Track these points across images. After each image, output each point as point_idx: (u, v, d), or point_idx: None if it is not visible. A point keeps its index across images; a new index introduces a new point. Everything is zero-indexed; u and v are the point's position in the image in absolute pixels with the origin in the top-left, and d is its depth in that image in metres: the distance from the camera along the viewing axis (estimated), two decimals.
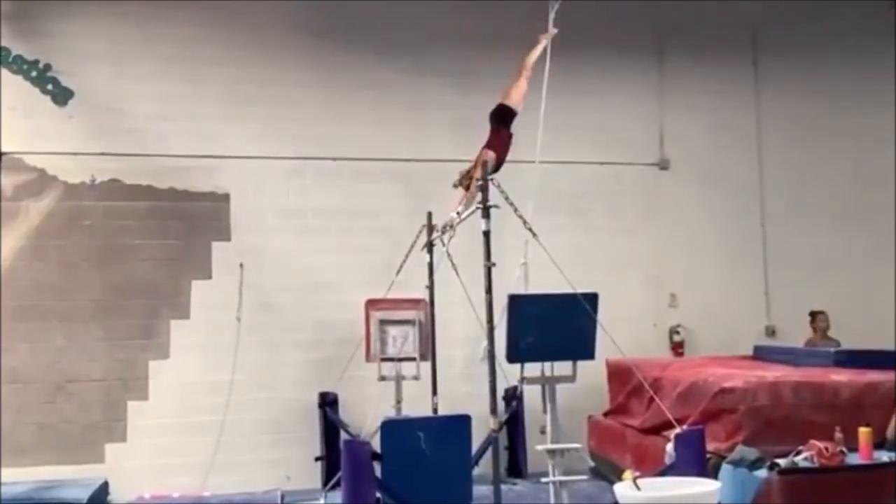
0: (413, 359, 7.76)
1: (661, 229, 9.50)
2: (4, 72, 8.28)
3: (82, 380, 8.15)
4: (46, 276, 8.21)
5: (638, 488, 3.80)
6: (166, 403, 8.24)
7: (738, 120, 9.78)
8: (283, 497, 7.76)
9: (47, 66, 8.38)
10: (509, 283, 6.06)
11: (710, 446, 5.65)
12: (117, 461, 8.03)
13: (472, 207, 5.90)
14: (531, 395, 7.38)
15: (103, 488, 7.66)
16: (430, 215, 7.78)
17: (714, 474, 5.34)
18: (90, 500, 7.20)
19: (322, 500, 7.51)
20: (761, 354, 8.16)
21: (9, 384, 8.01)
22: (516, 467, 8.19)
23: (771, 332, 9.53)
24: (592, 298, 5.55)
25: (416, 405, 7.58)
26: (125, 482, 7.80)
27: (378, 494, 4.84)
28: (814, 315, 9.07)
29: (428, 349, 7.81)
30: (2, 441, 7.82)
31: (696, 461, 4.64)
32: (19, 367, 8.06)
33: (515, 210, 5.83)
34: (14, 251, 8.21)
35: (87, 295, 8.27)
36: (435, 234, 7.63)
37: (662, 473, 4.45)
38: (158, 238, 8.44)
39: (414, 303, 7.82)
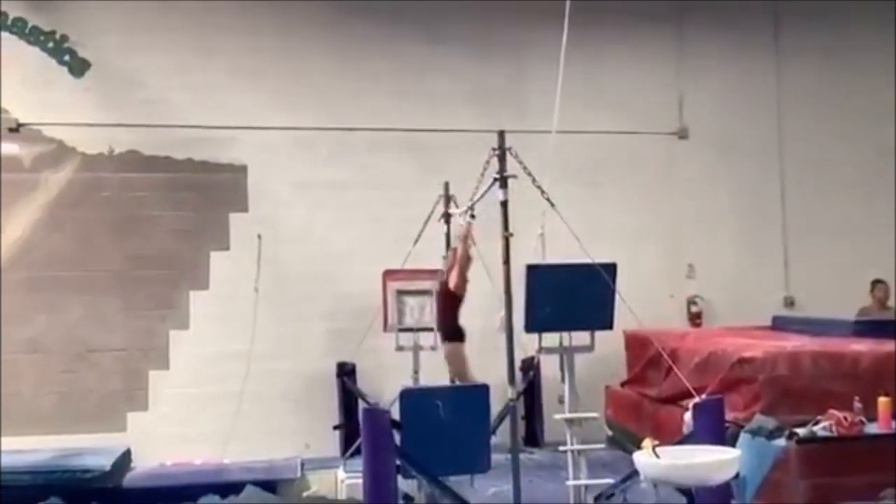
0: (430, 329, 7.78)
1: (679, 199, 9.44)
2: (21, 43, 8.29)
3: (103, 349, 8.26)
4: (65, 246, 8.29)
5: (657, 456, 3.81)
6: (187, 373, 8.34)
7: (758, 88, 9.65)
8: (302, 464, 7.83)
9: (63, 38, 8.39)
10: (525, 253, 6.04)
11: (729, 416, 5.63)
12: (139, 429, 8.16)
13: (489, 182, 5.86)
14: (547, 365, 7.42)
15: (126, 456, 7.76)
16: (446, 185, 7.76)
17: (732, 444, 5.34)
18: (113, 467, 7.30)
19: (341, 468, 7.60)
20: (780, 324, 8.13)
21: (29, 354, 8.14)
22: (533, 436, 8.24)
23: (790, 302, 9.49)
24: (611, 268, 5.53)
25: (433, 375, 7.61)
26: (147, 450, 7.89)
27: (397, 462, 4.88)
28: (874, 284, 8.94)
29: None
30: (25, 410, 7.97)
31: (714, 430, 4.63)
32: (39, 337, 8.18)
33: (534, 180, 5.78)
34: (33, 222, 8.28)
35: (107, 266, 8.34)
36: (452, 206, 7.62)
37: (681, 442, 4.45)
38: (177, 209, 8.49)
39: (431, 273, 7.82)
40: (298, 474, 7.70)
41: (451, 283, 7.26)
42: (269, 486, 7.54)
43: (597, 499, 5.14)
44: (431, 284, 7.83)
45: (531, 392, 8.18)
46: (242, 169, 8.64)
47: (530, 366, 7.96)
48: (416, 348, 7.75)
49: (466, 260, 7.24)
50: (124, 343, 8.30)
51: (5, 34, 8.25)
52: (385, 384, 8.08)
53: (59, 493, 7.07)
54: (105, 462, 7.28)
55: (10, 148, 8.25)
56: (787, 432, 5.49)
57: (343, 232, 8.67)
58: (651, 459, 3.82)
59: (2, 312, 8.09)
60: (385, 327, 7.86)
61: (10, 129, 8.21)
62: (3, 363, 8.07)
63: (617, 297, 5.56)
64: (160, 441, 8.01)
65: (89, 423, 8.07)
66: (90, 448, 7.63)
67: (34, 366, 8.13)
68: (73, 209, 8.32)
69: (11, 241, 8.20)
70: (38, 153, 8.32)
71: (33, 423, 7.94)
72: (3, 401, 7.99)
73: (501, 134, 5.73)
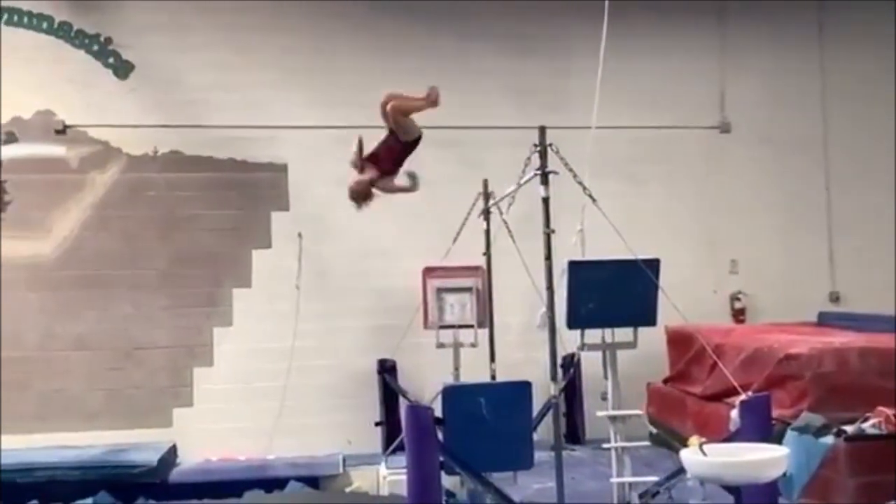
0: (471, 326, 7.79)
1: (722, 194, 9.32)
2: (67, 46, 8.45)
3: (149, 347, 8.41)
4: (112, 246, 8.44)
5: (704, 454, 3.77)
6: (230, 369, 8.46)
7: (802, 80, 9.50)
8: (344, 460, 7.90)
9: (108, 40, 8.54)
10: (563, 249, 6.01)
11: (775, 413, 5.54)
12: (185, 425, 8.29)
13: (531, 174, 5.84)
14: (587, 362, 7.39)
15: (172, 451, 7.89)
16: (485, 182, 7.75)
17: (778, 441, 5.27)
18: (160, 463, 7.43)
19: (383, 464, 7.64)
20: (826, 321, 8.01)
21: (78, 351, 8.32)
22: (574, 434, 8.22)
23: (835, 298, 9.33)
24: (654, 264, 5.49)
25: (473, 372, 7.61)
26: (193, 445, 8.02)
27: (441, 458, 4.89)
28: None
29: (485, 316, 7.83)
30: (73, 406, 8.18)
31: (761, 428, 4.57)
32: (88, 334, 8.35)
33: (575, 176, 5.75)
34: (80, 222, 8.44)
35: (152, 264, 8.48)
36: (491, 202, 7.61)
37: (728, 440, 4.41)
38: (219, 208, 8.60)
39: (471, 270, 7.83)
40: (341, 470, 7.77)
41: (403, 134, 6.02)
42: (311, 481, 7.61)
43: (642, 496, 5.11)
44: (472, 282, 7.85)
45: (572, 389, 8.16)
46: (283, 167, 8.73)
47: (571, 363, 7.92)
48: (457, 345, 7.77)
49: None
50: (170, 340, 8.44)
51: (52, 37, 8.41)
52: (425, 381, 8.12)
53: (108, 488, 7.22)
54: (152, 458, 7.42)
55: (58, 149, 8.42)
56: (834, 430, 5.41)
57: (383, 229, 8.69)
58: (698, 457, 3.78)
59: (52, 310, 8.28)
60: (425, 324, 7.89)
61: (58, 131, 8.38)
62: (53, 360, 8.26)
63: (661, 293, 5.50)
64: (205, 437, 8.13)
65: (136, 419, 8.23)
66: (137, 444, 7.79)
67: (83, 362, 8.30)
68: (119, 209, 8.47)
69: (60, 240, 8.38)
70: (84, 154, 8.48)
71: (82, 419, 8.13)
72: (54, 397, 8.18)
73: (542, 130, 5.70)
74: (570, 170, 5.78)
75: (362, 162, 5.77)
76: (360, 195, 5.80)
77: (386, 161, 5.82)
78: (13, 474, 7.13)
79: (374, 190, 5.81)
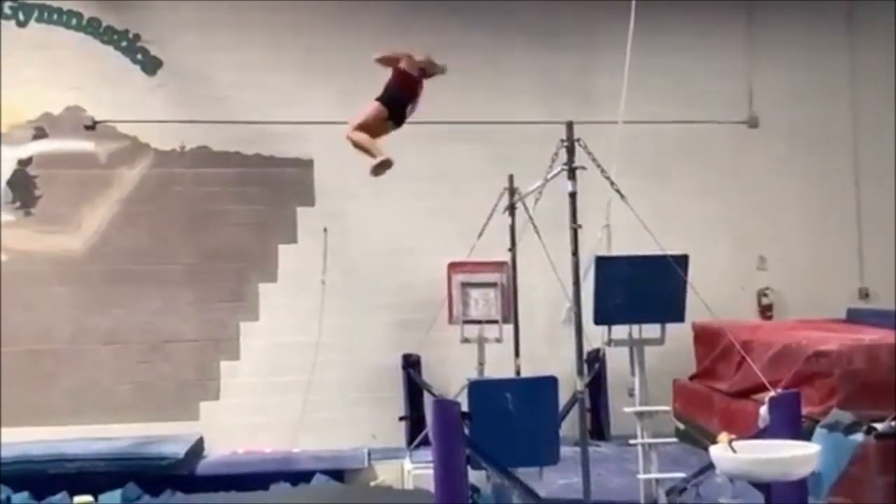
0: (495, 321, 7.78)
1: (750, 189, 9.23)
2: (96, 42, 8.54)
3: (177, 340, 8.48)
4: (140, 241, 8.52)
5: (734, 451, 3.75)
6: (257, 363, 8.51)
7: (831, 74, 9.38)
8: (369, 454, 7.94)
9: (136, 37, 8.61)
10: (590, 245, 5.99)
11: (804, 410, 5.48)
12: (211, 418, 8.36)
13: (557, 170, 5.83)
14: (612, 358, 7.36)
15: (199, 444, 7.99)
16: (511, 178, 7.74)
17: (807, 439, 5.23)
18: (187, 455, 7.53)
19: (407, 458, 7.67)
20: (855, 317, 7.92)
21: (108, 344, 8.42)
22: (599, 430, 8.18)
23: (864, 294, 9.21)
24: (683, 260, 5.45)
25: (498, 367, 7.61)
26: (219, 438, 8.11)
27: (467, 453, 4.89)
28: None
29: (510, 311, 7.82)
30: (102, 399, 8.28)
31: (791, 425, 4.54)
32: (117, 328, 8.44)
33: (602, 171, 5.73)
34: (109, 217, 8.53)
35: (179, 259, 8.55)
36: (517, 197, 7.60)
37: (757, 437, 4.38)
38: (246, 203, 8.65)
39: (496, 265, 7.83)
40: (366, 464, 7.84)
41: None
42: (337, 475, 7.68)
43: (669, 493, 5.08)
44: (497, 277, 7.85)
45: (597, 385, 8.11)
46: (309, 163, 8.76)
47: (595, 358, 7.89)
48: (482, 340, 7.77)
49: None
50: (197, 334, 8.51)
51: (81, 34, 8.50)
52: (450, 376, 8.13)
53: (136, 480, 7.34)
54: (179, 450, 7.51)
55: (87, 145, 8.51)
56: (864, 427, 5.35)
57: (408, 225, 8.72)
58: (728, 454, 3.76)
59: (82, 304, 8.38)
60: (450, 319, 7.89)
61: (87, 127, 8.47)
62: (83, 353, 8.37)
63: (690, 289, 5.47)
64: (231, 430, 8.20)
65: (164, 412, 8.30)
66: (165, 436, 7.89)
67: (112, 356, 8.39)
68: (147, 204, 8.54)
69: (89, 234, 8.47)
70: (113, 149, 8.56)
71: (111, 412, 8.22)
72: (84, 389, 8.29)
73: (570, 125, 5.69)
74: (598, 165, 5.76)
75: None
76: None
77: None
78: (43, 465, 7.27)
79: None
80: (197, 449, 7.89)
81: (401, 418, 8.18)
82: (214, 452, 8.04)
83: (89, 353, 8.38)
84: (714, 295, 5.92)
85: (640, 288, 5.36)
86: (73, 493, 7.12)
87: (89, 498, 7.07)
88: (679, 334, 6.68)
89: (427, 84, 8.87)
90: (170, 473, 7.39)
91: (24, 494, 7.09)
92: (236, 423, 8.25)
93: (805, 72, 9.35)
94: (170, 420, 8.23)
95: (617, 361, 6.81)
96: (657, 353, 5.81)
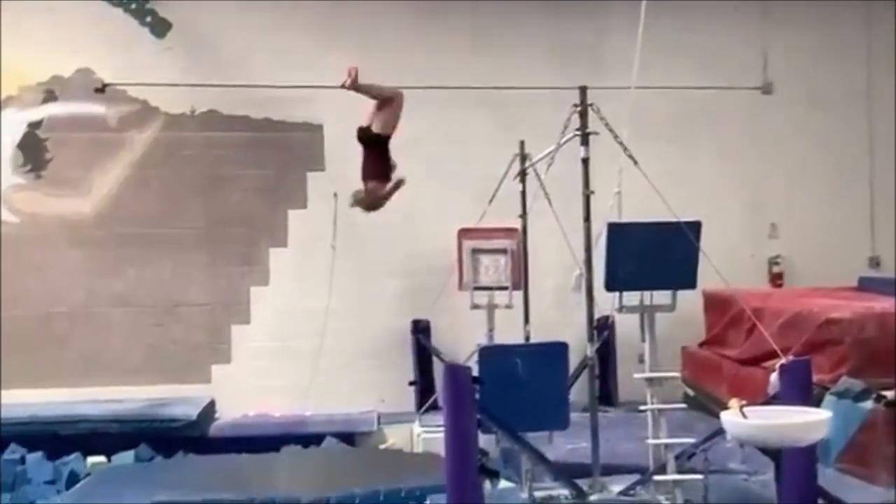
0: (505, 287, 7.80)
1: (762, 156, 9.16)
2: (105, 5, 8.47)
3: (188, 304, 8.53)
4: (150, 204, 8.54)
5: (745, 416, 3.76)
6: (267, 328, 8.56)
7: (847, 41, 9.25)
8: (379, 418, 8.02)
9: None
10: (601, 211, 5.96)
11: (814, 378, 5.50)
12: (222, 381, 8.43)
13: (570, 135, 5.79)
14: (621, 324, 7.37)
15: (210, 406, 8.07)
16: (522, 144, 7.70)
17: (817, 406, 5.24)
18: (199, 417, 7.62)
19: (416, 422, 7.74)
20: (866, 286, 7.89)
21: (120, 307, 8.47)
22: (607, 395, 8.21)
23: (876, 263, 9.18)
24: (695, 227, 5.43)
25: (507, 333, 7.64)
26: (230, 401, 8.19)
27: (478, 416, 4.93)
28: None
29: (520, 278, 7.83)
30: (115, 361, 8.35)
31: (801, 392, 4.53)
32: (129, 291, 8.48)
33: (616, 137, 5.69)
34: (120, 180, 8.53)
35: (190, 223, 8.57)
36: (528, 163, 7.56)
37: (767, 403, 4.39)
38: (256, 168, 8.64)
39: (507, 232, 7.82)
40: (375, 427, 7.92)
41: (379, 127, 6.29)
42: (347, 437, 7.77)
43: (678, 458, 5.11)
44: (507, 243, 7.84)
45: (605, 351, 8.13)
46: (319, 128, 8.72)
47: (605, 325, 7.90)
48: (491, 306, 7.80)
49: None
50: (208, 298, 8.55)
51: None
52: (459, 342, 8.14)
53: (149, 441, 7.44)
54: (191, 412, 7.60)
55: (97, 108, 8.49)
56: (874, 395, 5.36)
57: (419, 190, 8.56)
58: (739, 419, 3.77)
59: (93, 267, 8.42)
60: (460, 285, 7.92)
61: (97, 90, 8.38)
62: (96, 316, 8.42)
63: (702, 255, 5.45)
64: (242, 393, 8.27)
65: (176, 374, 8.37)
66: (177, 398, 7.98)
67: (125, 319, 8.46)
68: (157, 168, 8.54)
69: (100, 197, 8.48)
70: (123, 113, 8.54)
71: (124, 374, 8.29)
72: (96, 352, 8.36)
73: (583, 90, 5.64)
74: (611, 130, 5.72)
75: (365, 186, 6.10)
76: (374, 205, 6.13)
77: (376, 167, 6.07)
78: (57, 426, 7.37)
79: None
80: (209, 411, 7.98)
81: (411, 383, 8.22)
82: (226, 415, 8.13)
83: (101, 317, 8.44)
84: (724, 262, 5.90)
85: (651, 255, 5.35)
86: (86, 454, 7.23)
87: (102, 458, 7.18)
88: (689, 301, 6.68)
89: (438, 48, 8.82)
90: (182, 435, 7.49)
91: (38, 455, 7.20)
92: (247, 387, 8.32)
93: (820, 38, 9.22)
94: (182, 383, 8.31)
95: (626, 327, 6.83)
96: (666, 319, 5.80)
